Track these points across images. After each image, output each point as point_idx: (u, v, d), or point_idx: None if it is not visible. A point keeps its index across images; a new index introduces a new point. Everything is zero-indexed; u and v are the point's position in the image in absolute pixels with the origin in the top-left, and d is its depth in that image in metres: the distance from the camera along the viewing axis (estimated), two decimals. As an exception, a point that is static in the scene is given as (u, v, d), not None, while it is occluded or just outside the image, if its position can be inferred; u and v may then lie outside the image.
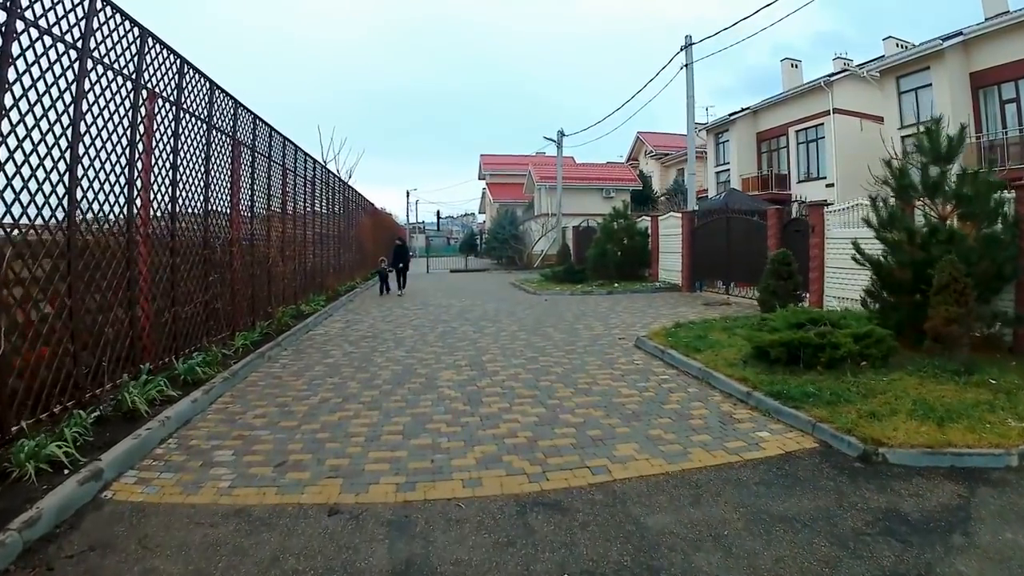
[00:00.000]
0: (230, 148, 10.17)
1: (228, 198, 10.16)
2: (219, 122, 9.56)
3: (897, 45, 30.65)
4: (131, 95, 6.77)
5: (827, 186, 28.69)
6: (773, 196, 29.90)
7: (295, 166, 14.46)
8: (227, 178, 10.11)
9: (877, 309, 8.76)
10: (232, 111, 10.21)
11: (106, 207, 6.28)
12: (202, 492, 4.32)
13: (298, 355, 9.64)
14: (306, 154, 15.56)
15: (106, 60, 6.15)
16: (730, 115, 35.79)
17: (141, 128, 7.08)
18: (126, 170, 6.72)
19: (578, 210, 33.79)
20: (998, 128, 20.87)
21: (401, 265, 19.98)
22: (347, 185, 22.67)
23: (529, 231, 36.77)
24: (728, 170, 36.63)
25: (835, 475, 4.60)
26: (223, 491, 4.34)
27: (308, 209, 15.96)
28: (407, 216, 67.24)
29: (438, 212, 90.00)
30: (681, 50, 19.74)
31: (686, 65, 19.70)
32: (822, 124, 30.13)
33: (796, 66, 36.18)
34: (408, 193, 65.75)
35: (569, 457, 4.90)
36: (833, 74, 30.24)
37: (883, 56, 30.01)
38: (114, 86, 6.34)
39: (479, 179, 57.25)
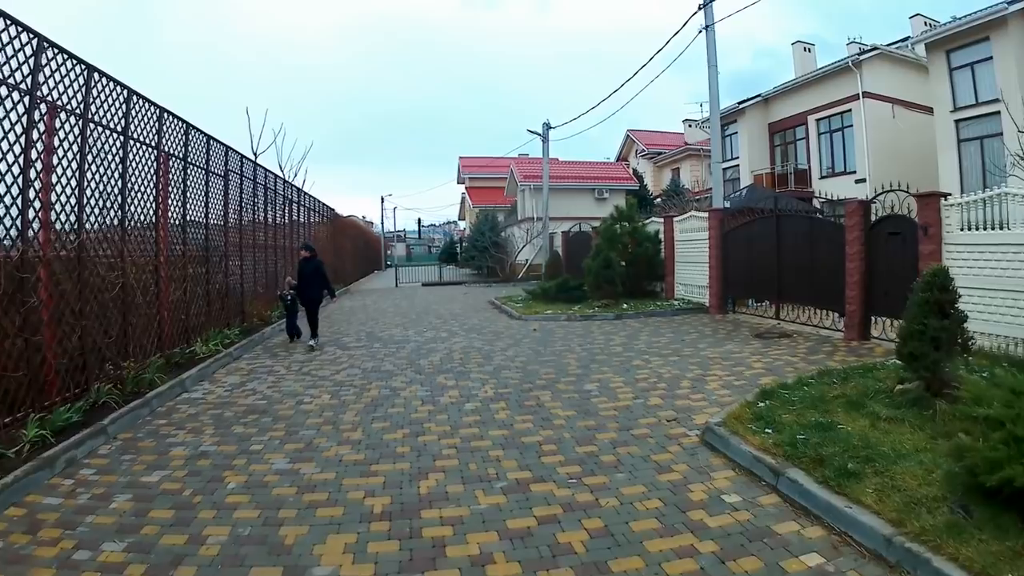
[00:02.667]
0: (18, 108, 6.01)
1: (17, 192, 6.02)
2: None
3: (926, 24, 27.14)
4: None
5: (856, 182, 24.88)
6: (792, 195, 26.04)
7: (185, 153, 10.25)
8: (13, 160, 5.98)
9: None
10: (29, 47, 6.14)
11: None
12: None
13: (118, 458, 5.51)
14: (210, 137, 11.34)
15: None
16: (739, 103, 31.84)
17: None
18: None
19: (567, 213, 29.71)
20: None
21: (311, 295, 11.54)
22: (290, 185, 18.42)
23: (512, 238, 32.58)
24: (737, 166, 32.70)
25: None
26: None
27: (218, 214, 11.78)
28: (382, 223, 62.73)
29: (419, 220, 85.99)
30: (699, 9, 15.73)
31: (706, 27, 15.70)
32: (849, 111, 26.29)
33: (809, 50, 32.46)
34: (383, 199, 60.91)
35: None
36: (861, 52, 26.27)
37: (909, 37, 26.39)
38: None
39: (458, 183, 53.37)
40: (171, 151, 9.76)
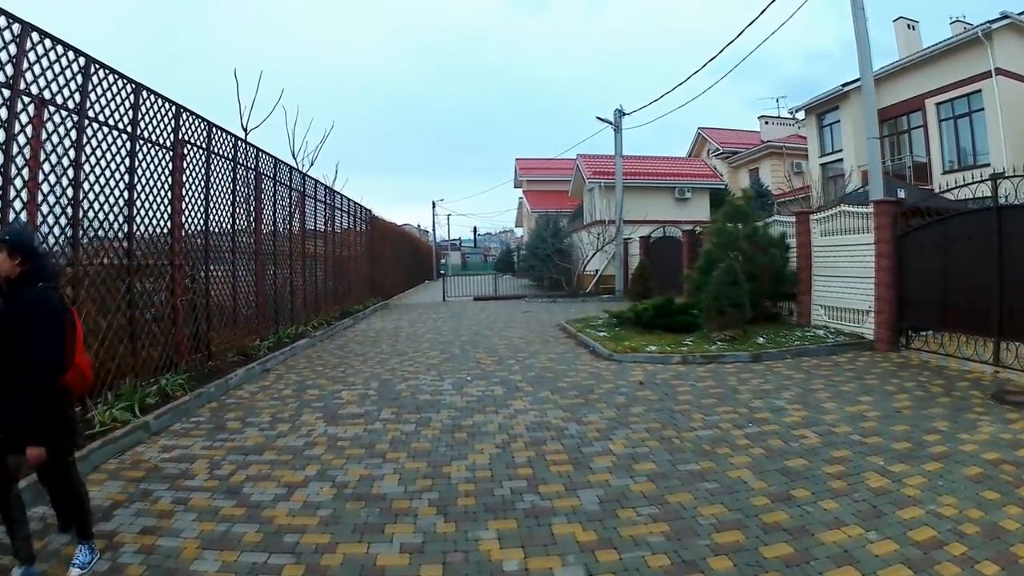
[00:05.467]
0: None
1: None
2: None
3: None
4: None
5: (991, 177, 19.90)
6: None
7: (82, 104, 6.38)
8: None
9: None
10: None
11: None
12: None
13: None
14: (140, 86, 7.50)
15: None
16: (842, 86, 26.82)
17: None
18: None
19: (643, 215, 25.21)
20: None
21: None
22: (303, 175, 14.47)
23: (579, 244, 28.11)
24: (840, 160, 27.65)
25: None
26: None
27: (159, 204, 7.89)
28: (433, 230, 58.98)
29: (474, 228, 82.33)
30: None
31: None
32: (978, 92, 21.34)
33: (913, 27, 27.43)
34: (434, 204, 56.99)
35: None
36: (992, 21, 21.17)
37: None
38: None
39: (515, 187, 49.29)
40: (48, 96, 5.82)
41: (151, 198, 7.56)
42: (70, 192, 6.18)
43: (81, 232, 6.32)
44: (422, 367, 9.51)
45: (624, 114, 24.24)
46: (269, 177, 11.61)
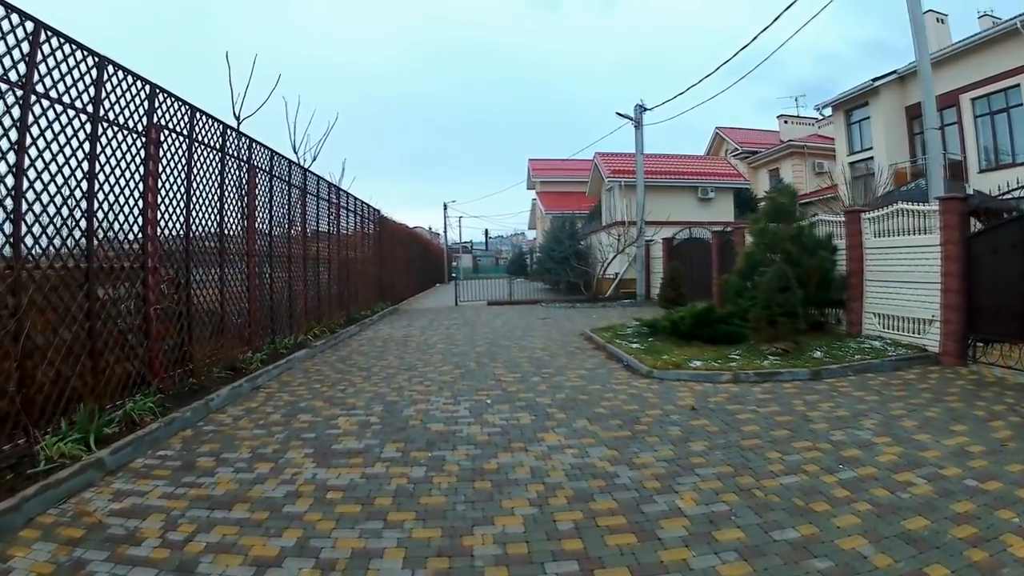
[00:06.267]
0: None
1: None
2: None
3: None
4: None
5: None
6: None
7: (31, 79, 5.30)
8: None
9: None
10: None
11: None
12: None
13: None
14: (92, 53, 6.43)
15: None
16: (872, 80, 25.57)
17: None
18: None
19: (665, 216, 23.96)
20: None
21: None
22: (302, 168, 13.37)
23: (597, 246, 26.89)
24: (871, 158, 26.40)
25: None
26: None
27: (127, 192, 6.84)
28: (444, 232, 57.94)
29: (486, 231, 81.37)
30: None
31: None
32: (1016, 87, 20.22)
33: (943, 21, 26.28)
34: (445, 206, 55.92)
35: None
36: None
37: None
38: None
39: (528, 188, 48.24)
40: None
41: (118, 190, 6.46)
42: (10, 180, 5.09)
43: (25, 228, 5.24)
44: (434, 386, 8.34)
45: (645, 109, 23.08)
46: (264, 171, 10.50)
